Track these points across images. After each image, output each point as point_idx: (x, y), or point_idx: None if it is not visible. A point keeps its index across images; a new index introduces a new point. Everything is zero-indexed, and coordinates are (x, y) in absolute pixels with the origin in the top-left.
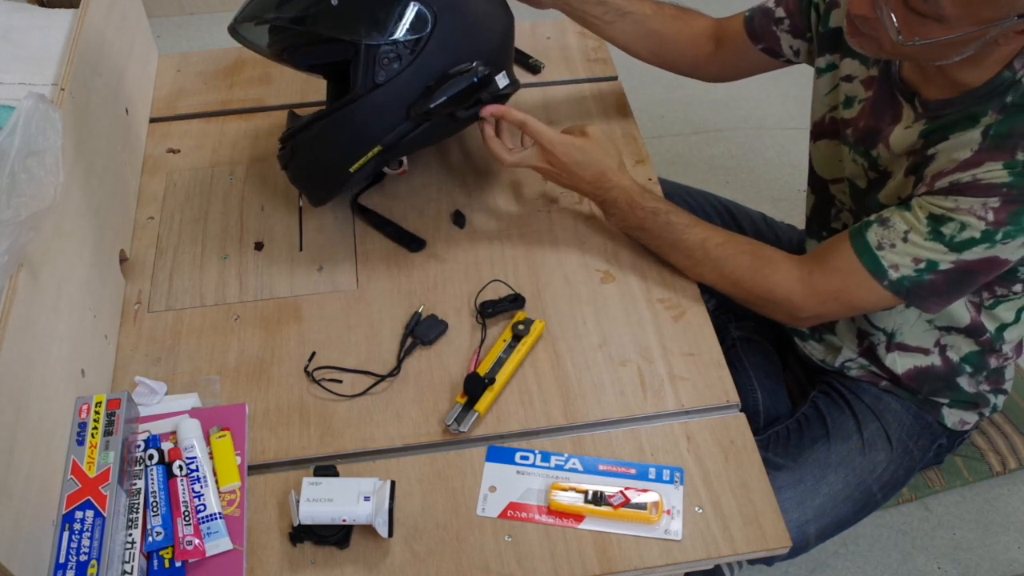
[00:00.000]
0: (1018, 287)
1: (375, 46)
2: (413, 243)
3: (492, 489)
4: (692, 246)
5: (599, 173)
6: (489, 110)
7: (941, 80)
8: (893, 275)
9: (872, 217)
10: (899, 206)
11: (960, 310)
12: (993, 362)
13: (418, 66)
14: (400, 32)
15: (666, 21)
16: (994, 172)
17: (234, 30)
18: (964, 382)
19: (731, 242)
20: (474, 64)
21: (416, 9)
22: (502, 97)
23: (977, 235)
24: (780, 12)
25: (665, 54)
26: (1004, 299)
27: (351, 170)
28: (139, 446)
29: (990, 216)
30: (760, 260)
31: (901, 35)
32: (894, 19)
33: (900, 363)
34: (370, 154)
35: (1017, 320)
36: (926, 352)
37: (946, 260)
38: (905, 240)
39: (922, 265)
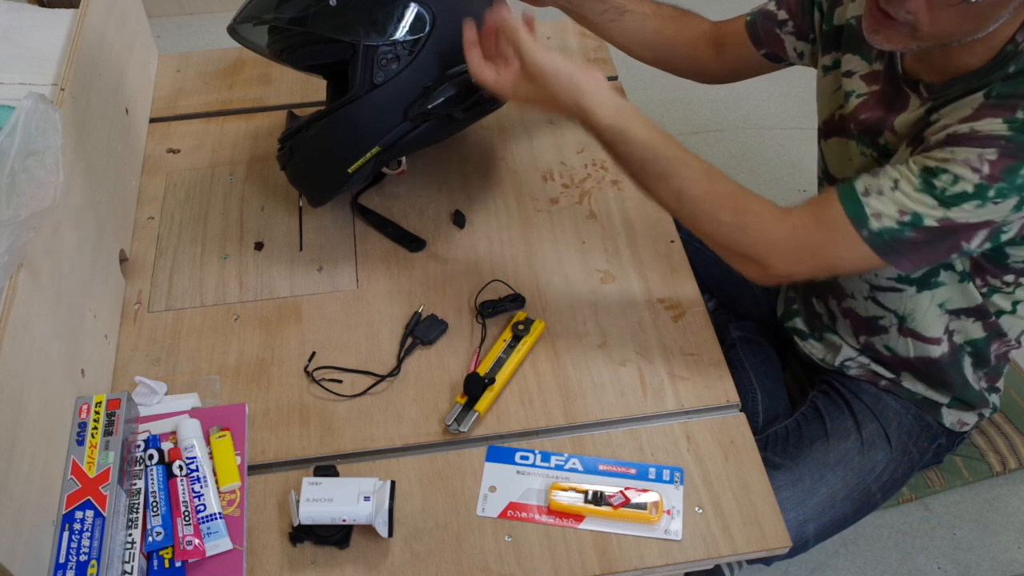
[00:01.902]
0: (1009, 277)
1: (373, 47)
2: (413, 243)
3: (492, 489)
4: (669, 197)
5: (568, 115)
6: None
7: (944, 66)
8: (874, 225)
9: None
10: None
11: (972, 289)
12: (995, 348)
13: (416, 67)
14: (399, 33)
15: (665, 22)
16: (993, 125)
17: (233, 30)
18: (968, 373)
19: (710, 196)
20: None
21: (415, 10)
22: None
23: (970, 189)
24: (783, 14)
25: (664, 55)
26: (997, 290)
27: (349, 171)
28: (139, 446)
29: (985, 168)
30: (742, 216)
31: None
32: None
33: (914, 348)
34: (368, 155)
35: (1014, 311)
36: (938, 342)
37: (932, 216)
38: (895, 188)
39: (907, 218)
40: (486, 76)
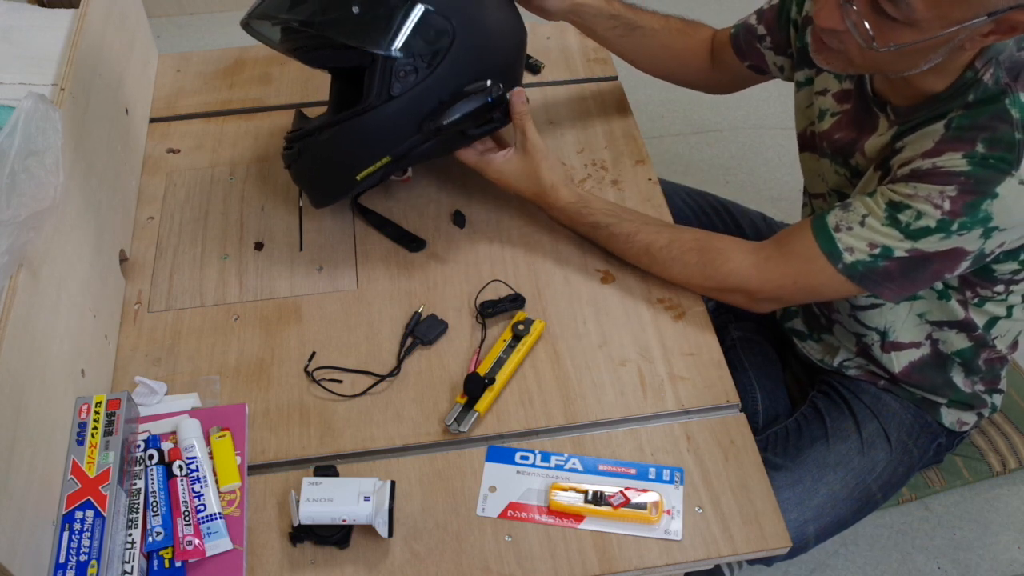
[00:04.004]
0: (999, 287)
1: (393, 58)
2: (413, 243)
3: (492, 489)
4: (639, 253)
5: (535, 195)
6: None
7: (908, 90)
8: (848, 258)
9: (838, 203)
10: (864, 193)
11: (953, 305)
12: (984, 356)
13: (434, 80)
14: (419, 46)
15: (673, 36)
16: (954, 161)
17: (247, 25)
18: (959, 380)
19: (676, 243)
20: (489, 83)
21: (437, 24)
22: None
23: (932, 224)
24: (761, 29)
25: (671, 68)
26: (989, 299)
27: (358, 177)
28: (139, 446)
29: (946, 205)
30: (708, 255)
31: (876, 42)
32: (867, 26)
33: (896, 361)
34: (378, 164)
35: (1009, 315)
36: (918, 345)
37: (901, 247)
38: (863, 224)
39: (877, 250)
40: (467, 155)
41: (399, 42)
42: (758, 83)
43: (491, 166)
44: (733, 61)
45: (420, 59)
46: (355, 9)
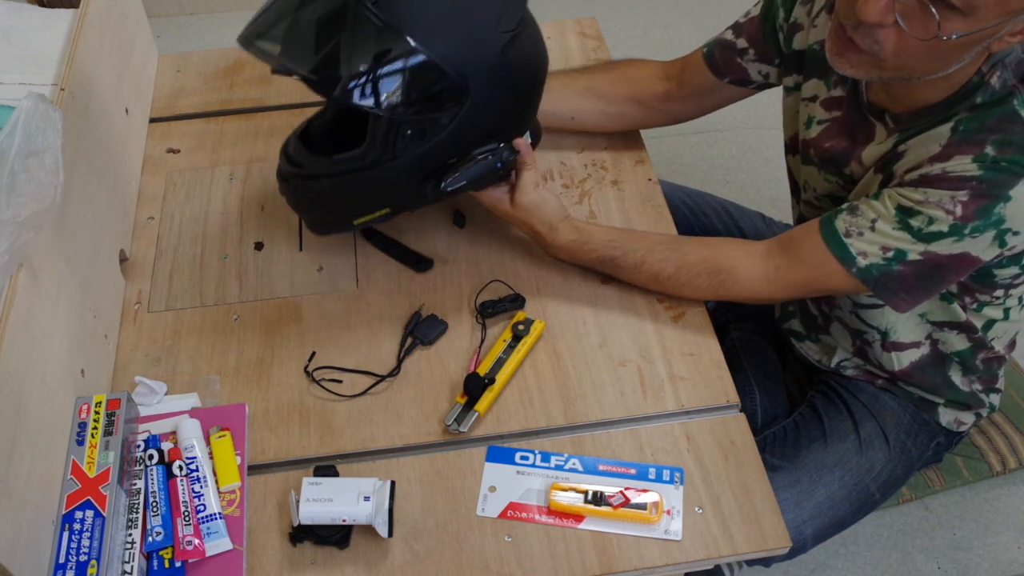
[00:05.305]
0: (999, 292)
1: (403, 118)
2: (420, 264)
3: (492, 489)
4: (647, 281)
5: (530, 235)
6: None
7: (907, 99)
8: (861, 262)
9: (843, 206)
10: (869, 196)
11: (955, 308)
12: (982, 356)
13: (443, 142)
14: (430, 107)
15: (595, 76)
16: (963, 165)
17: (250, 45)
18: (957, 379)
19: (683, 269)
20: (499, 147)
21: (451, 84)
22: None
23: (945, 229)
24: (742, 43)
25: (610, 108)
26: (987, 304)
27: (355, 223)
28: (139, 446)
29: (958, 210)
30: (718, 277)
31: (940, 29)
32: (935, 12)
33: (897, 361)
34: (377, 214)
35: (1006, 317)
36: (918, 345)
37: (914, 250)
38: (873, 228)
39: (890, 254)
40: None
41: (409, 105)
42: (734, 102)
43: (486, 199)
44: (709, 81)
45: (430, 121)
46: (362, 67)
